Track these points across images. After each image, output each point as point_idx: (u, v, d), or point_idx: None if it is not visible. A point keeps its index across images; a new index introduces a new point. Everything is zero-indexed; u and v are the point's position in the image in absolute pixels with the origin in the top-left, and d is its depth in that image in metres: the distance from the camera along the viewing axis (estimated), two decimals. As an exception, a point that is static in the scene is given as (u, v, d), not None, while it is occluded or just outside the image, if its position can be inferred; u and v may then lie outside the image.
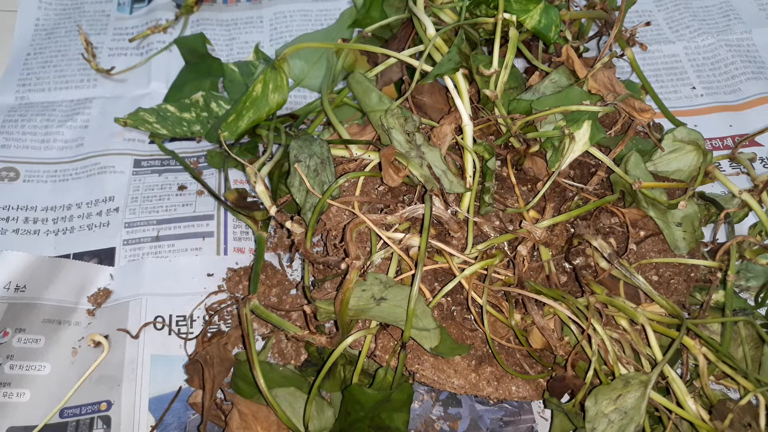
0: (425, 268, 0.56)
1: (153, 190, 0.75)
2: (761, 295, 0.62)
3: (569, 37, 0.70)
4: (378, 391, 0.52)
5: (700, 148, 0.61)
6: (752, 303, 0.63)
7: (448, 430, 0.59)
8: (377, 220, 0.56)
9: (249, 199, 0.69)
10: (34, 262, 0.66)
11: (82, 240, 0.70)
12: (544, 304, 0.55)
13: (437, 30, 0.63)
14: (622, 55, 0.71)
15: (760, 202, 0.61)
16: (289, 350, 0.61)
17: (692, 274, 0.61)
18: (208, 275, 0.68)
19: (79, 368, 0.61)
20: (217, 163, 0.74)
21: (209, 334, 0.60)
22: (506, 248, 0.60)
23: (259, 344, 0.62)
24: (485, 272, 0.56)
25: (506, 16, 0.63)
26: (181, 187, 0.75)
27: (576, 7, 0.74)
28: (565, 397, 0.56)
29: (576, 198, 0.62)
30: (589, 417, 0.50)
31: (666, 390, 0.53)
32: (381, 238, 0.55)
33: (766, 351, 0.56)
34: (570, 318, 0.54)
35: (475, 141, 0.61)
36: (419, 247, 0.53)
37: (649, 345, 0.54)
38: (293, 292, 0.66)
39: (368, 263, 0.55)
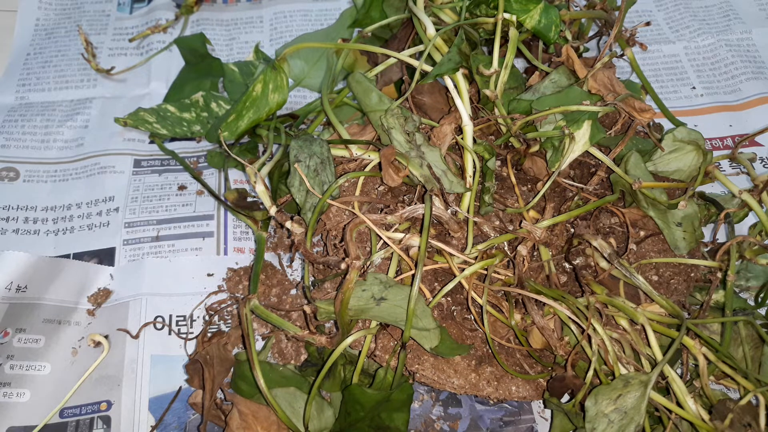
0: (425, 268, 0.56)
1: (153, 190, 0.75)
2: (761, 295, 0.62)
3: (569, 37, 0.70)
4: (378, 391, 0.52)
5: (700, 148, 0.61)
6: (752, 303, 0.63)
7: (448, 430, 0.59)
8: (377, 220, 0.56)
9: (249, 199, 0.69)
10: (34, 263, 0.66)
11: (82, 240, 0.70)
12: (544, 304, 0.55)
13: (437, 30, 0.63)
14: (622, 55, 0.71)
15: (760, 202, 0.61)
16: (289, 350, 0.61)
17: (692, 274, 0.61)
18: (208, 275, 0.68)
19: (79, 368, 0.61)
20: (217, 163, 0.74)
21: (209, 334, 0.60)
22: (506, 248, 0.60)
23: (259, 344, 0.62)
24: (485, 272, 0.56)
25: (506, 16, 0.63)
26: (181, 187, 0.75)
27: (576, 7, 0.74)
28: (565, 397, 0.56)
29: (576, 198, 0.62)
30: (589, 417, 0.50)
31: (666, 390, 0.53)
32: (381, 238, 0.55)
33: (766, 351, 0.56)
34: (570, 318, 0.54)
35: (475, 141, 0.61)
36: (419, 247, 0.53)
37: (649, 345, 0.54)
38: (293, 292, 0.66)
39: (368, 263, 0.55)
